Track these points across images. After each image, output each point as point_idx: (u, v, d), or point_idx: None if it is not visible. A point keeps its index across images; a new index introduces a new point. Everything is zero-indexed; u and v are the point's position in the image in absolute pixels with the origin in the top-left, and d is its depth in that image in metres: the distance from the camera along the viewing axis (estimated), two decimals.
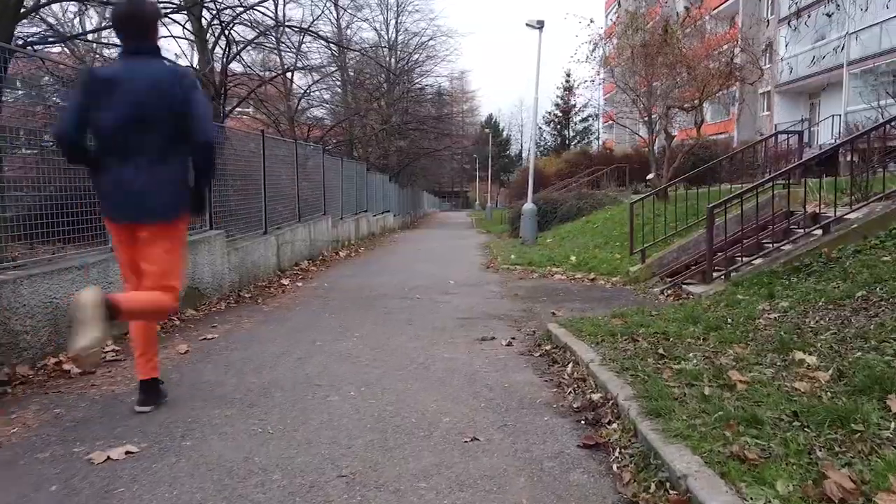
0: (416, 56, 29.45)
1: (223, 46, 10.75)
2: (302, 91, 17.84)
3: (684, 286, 7.20)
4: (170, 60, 3.97)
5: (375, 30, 29.18)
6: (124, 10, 2.83)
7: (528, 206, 13.55)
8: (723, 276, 6.14)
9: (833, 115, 25.37)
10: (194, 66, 11.03)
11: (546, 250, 11.24)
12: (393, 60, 28.44)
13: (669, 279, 7.62)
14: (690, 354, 3.26)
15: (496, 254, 11.93)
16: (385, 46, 28.29)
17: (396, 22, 30.24)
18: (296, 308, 6.15)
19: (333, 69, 19.99)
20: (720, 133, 38.44)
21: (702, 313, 4.55)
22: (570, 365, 3.46)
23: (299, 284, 7.94)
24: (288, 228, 9.56)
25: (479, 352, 4.16)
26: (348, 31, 25.48)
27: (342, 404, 3.04)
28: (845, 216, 5.88)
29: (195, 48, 10.75)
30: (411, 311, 6.00)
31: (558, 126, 47.53)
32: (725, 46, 12.85)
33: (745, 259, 6.35)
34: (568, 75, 46.79)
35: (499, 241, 16.06)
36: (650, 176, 12.92)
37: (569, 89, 46.62)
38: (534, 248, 12.03)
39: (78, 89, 2.82)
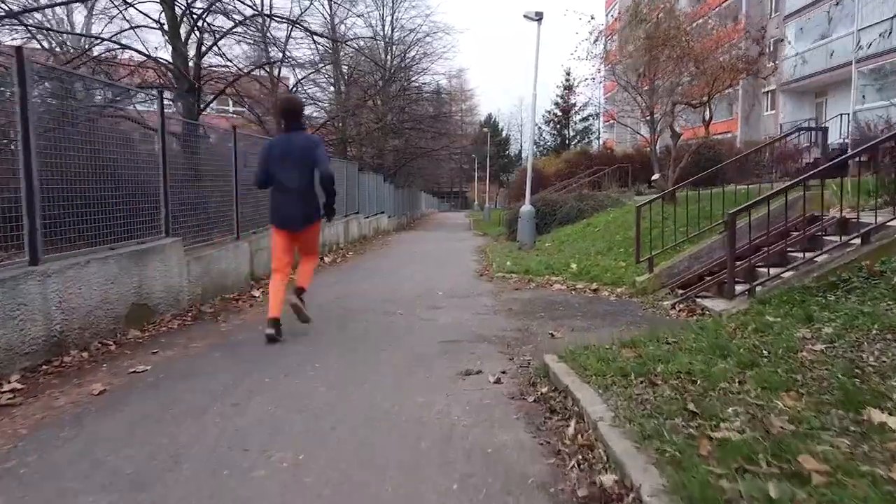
0: (412, 53, 28.69)
1: (197, 37, 9.97)
2: (291, 88, 17.04)
3: (698, 300, 6.44)
4: (306, 127, 5.78)
5: (371, 27, 28.43)
6: (285, 104, 5.15)
7: (526, 208, 12.80)
8: (746, 292, 5.37)
9: (841, 114, 24.64)
10: (168, 59, 10.26)
11: (544, 256, 10.48)
12: (388, 57, 27.66)
13: (681, 291, 6.86)
14: (730, 410, 2.50)
15: (491, 259, 11.17)
16: (380, 38, 27.50)
17: (392, 18, 29.50)
18: (258, 327, 5.39)
19: (323, 64, 19.18)
20: (723, 132, 37.77)
21: (729, 341, 3.80)
22: (574, 422, 2.69)
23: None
24: (265, 233, 8.80)
25: (461, 393, 3.40)
26: (342, 28, 24.74)
27: (267, 485, 2.28)
28: (887, 223, 5.12)
29: (168, 40, 9.97)
30: (390, 332, 5.24)
31: (558, 126, 46.76)
32: (736, 38, 12.09)
33: (770, 271, 5.59)
34: (568, 74, 46.07)
35: (495, 244, 15.30)
36: (655, 177, 12.18)
37: (569, 88, 45.88)
38: (531, 254, 11.28)
39: (262, 152, 5.02)
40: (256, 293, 7.25)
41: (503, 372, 3.78)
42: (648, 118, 28.13)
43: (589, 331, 5.33)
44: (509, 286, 8.09)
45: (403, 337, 5.04)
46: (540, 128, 47.39)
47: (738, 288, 5.56)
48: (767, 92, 35.84)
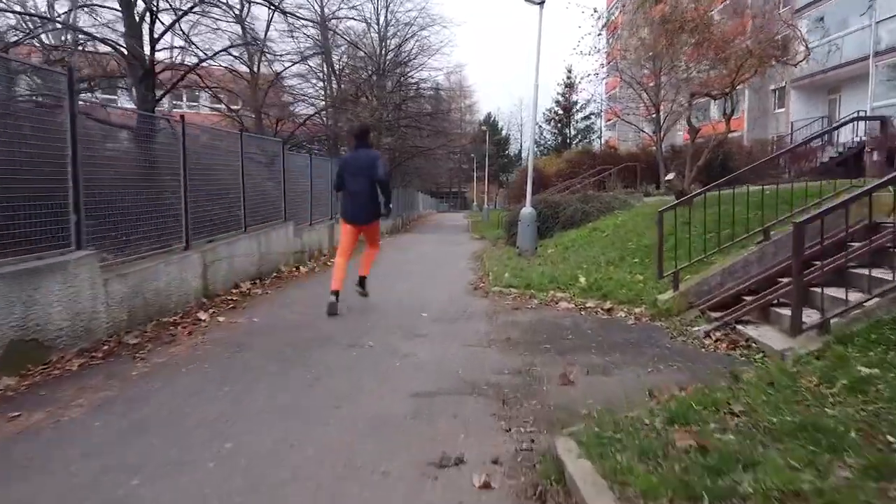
0: (408, 46, 27.46)
1: (149, 20, 8.78)
2: (272, 81, 15.81)
3: (739, 327, 5.25)
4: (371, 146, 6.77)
5: (365, 20, 27.20)
6: (356, 129, 6.91)
7: (527, 210, 11.60)
8: (818, 326, 4.16)
9: (858, 111, 23.46)
10: (121, 43, 9.05)
11: (547, 266, 9.28)
12: (382, 51, 26.44)
13: (715, 315, 5.66)
14: None
15: (488, 268, 9.97)
16: (374, 30, 26.30)
17: (387, 11, 28.25)
18: (183, 369, 4.19)
19: (309, 54, 17.97)
20: (730, 132, 36.54)
21: (822, 412, 2.61)
22: None
23: (221, 319, 5.96)
24: (224, 241, 7.59)
25: None
26: (334, 21, 23.52)
27: None
28: None
29: (124, 22, 8.78)
30: (351, 377, 4.04)
31: (559, 124, 45.54)
32: (761, 22, 10.88)
33: (825, 292, 4.38)
34: (569, 72, 44.87)
35: (493, 249, 14.08)
36: (669, 176, 11.00)
37: (570, 86, 44.63)
38: (533, 262, 10.08)
39: (340, 164, 6.79)
40: (204, 315, 6.04)
41: (495, 461, 2.57)
42: (654, 115, 26.91)
43: (609, 372, 4.14)
44: (507, 304, 6.88)
45: (368, 384, 3.84)
46: (540, 126, 46.20)
47: (807, 318, 4.35)
48: (776, 89, 34.67)
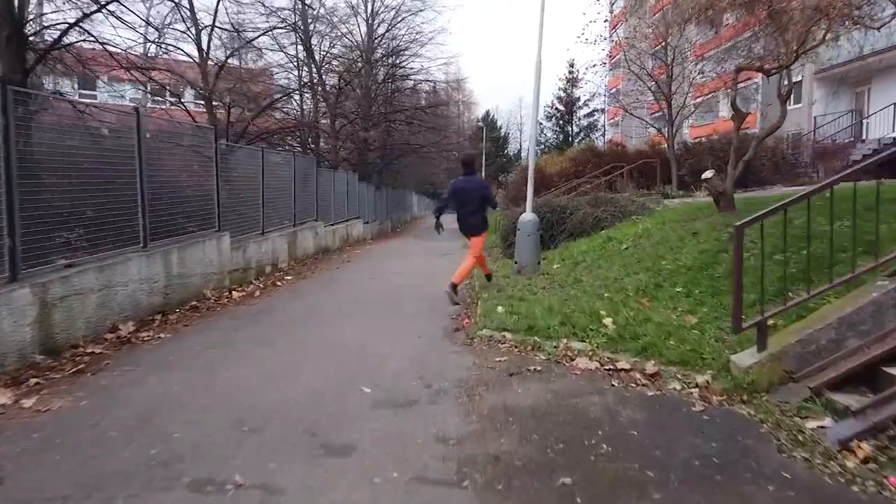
0: (398, 32, 25.12)
1: None
2: (223, 62, 13.41)
3: None
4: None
5: (350, 6, 24.90)
6: (465, 158, 8.28)
7: (527, 217, 9.30)
8: None
9: (893, 105, 21.22)
10: None
11: (555, 292, 7.00)
12: (369, 38, 24.12)
13: (838, 397, 3.40)
14: None
15: (476, 295, 7.70)
16: (359, 12, 24.00)
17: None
18: None
19: (277, 30, 15.62)
20: (741, 130, 34.26)
21: None
22: None
23: (27, 404, 3.67)
24: (93, 266, 5.29)
25: None
26: (320, 12, 21.24)
27: None
28: None
29: None
30: None
31: (560, 122, 43.19)
32: None
33: None
34: (571, 66, 42.57)
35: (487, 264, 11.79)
36: (708, 174, 8.71)
37: (572, 81, 42.36)
38: (535, 284, 7.79)
39: (451, 190, 7.84)
40: (7, 398, 3.75)
41: None
42: (664, 110, 24.65)
43: None
44: (499, 364, 4.59)
45: None
46: (541, 124, 43.89)
47: None
48: (791, 84, 32.42)
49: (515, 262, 9.47)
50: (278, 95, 15.25)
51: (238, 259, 8.60)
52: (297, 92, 15.91)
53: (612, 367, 4.44)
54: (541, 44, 9.23)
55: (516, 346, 5.06)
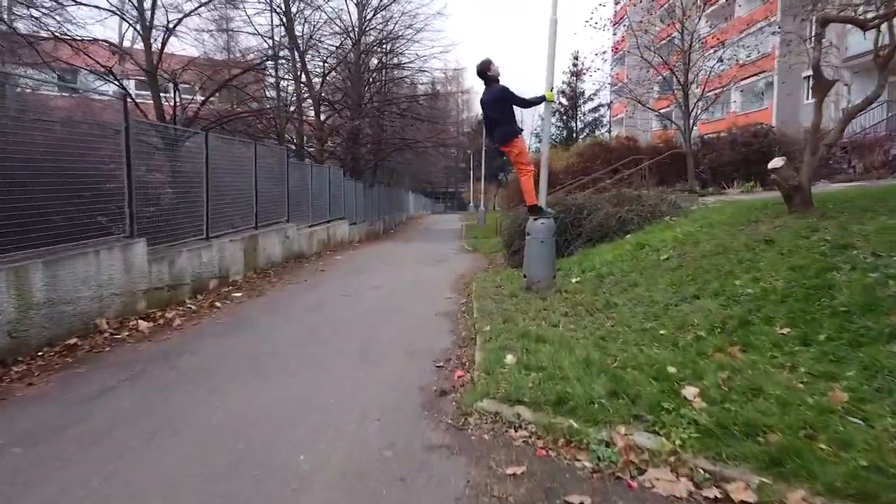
0: (389, 14, 22.99)
1: None
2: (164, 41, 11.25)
3: None
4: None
5: None
6: (478, 68, 6.73)
7: (541, 223, 7.22)
8: None
9: None
10: None
11: (585, 322, 4.97)
12: (359, 20, 22.03)
13: None
14: None
15: (476, 327, 5.63)
16: None
17: None
18: None
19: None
20: (755, 124, 32.34)
21: None
22: None
23: None
24: None
25: None
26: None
27: None
28: None
29: None
30: None
31: (564, 117, 41.14)
32: None
33: None
34: (575, 58, 40.51)
35: (488, 275, 9.72)
36: (776, 163, 6.64)
37: (576, 74, 40.31)
38: (554, 309, 5.76)
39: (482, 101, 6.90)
40: None
41: None
42: (682, 101, 22.56)
43: None
44: (514, 487, 2.56)
45: None
46: (543, 119, 41.88)
47: None
48: (808, 77, 30.43)
49: (524, 276, 7.41)
50: (238, 72, 13.06)
51: (163, 273, 6.55)
52: (265, 68, 13.64)
53: (719, 493, 2.42)
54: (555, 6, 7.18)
55: (540, 438, 3.01)
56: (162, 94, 11.76)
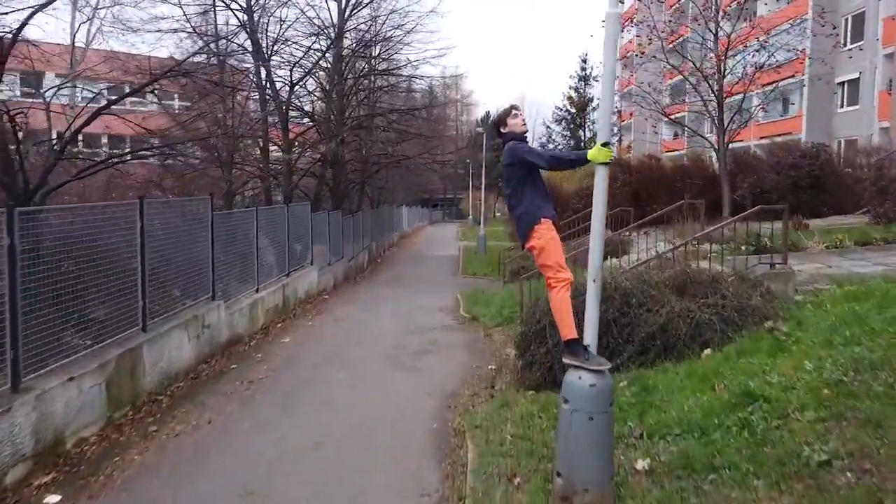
0: (375, 12, 19.73)
1: None
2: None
3: None
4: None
5: None
6: (493, 122, 4.71)
7: (589, 384, 3.88)
8: None
9: None
10: None
11: None
12: (339, 19, 18.74)
13: None
14: None
15: None
16: None
17: None
18: None
19: None
20: (781, 135, 29.06)
21: None
22: None
23: None
24: None
25: None
26: None
27: None
28: None
29: None
30: None
31: (571, 125, 37.90)
32: None
33: None
34: (584, 61, 37.29)
35: (491, 410, 6.32)
36: None
37: (585, 79, 37.09)
38: None
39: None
40: None
41: None
42: (716, 113, 19.19)
43: None
44: None
45: None
46: (549, 128, 38.61)
47: None
48: (845, 82, 27.21)
49: (557, 475, 4.10)
50: (158, 74, 9.58)
51: None
52: (185, 72, 10.10)
53: None
54: None
55: None
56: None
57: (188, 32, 12.83)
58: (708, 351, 6.03)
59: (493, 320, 10.50)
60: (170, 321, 7.02)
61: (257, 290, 10.20)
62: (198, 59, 14.66)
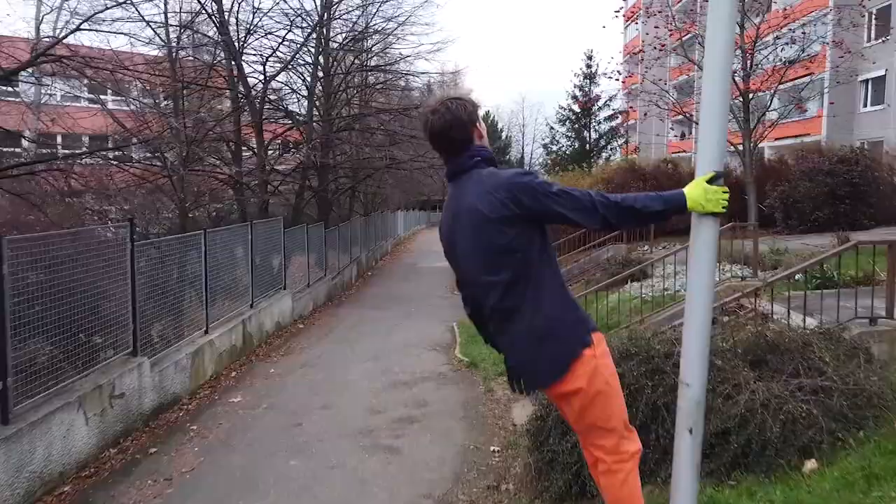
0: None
1: None
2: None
3: None
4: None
5: None
6: (431, 126, 2.57)
7: None
8: None
9: None
10: None
11: None
12: (323, 9, 16.78)
13: None
14: None
15: None
16: None
17: None
18: None
19: None
20: (798, 136, 27.16)
21: None
22: None
23: None
24: None
25: None
26: None
27: None
28: None
29: None
30: None
31: (576, 126, 36.00)
32: None
33: None
34: (589, 58, 35.36)
35: None
36: None
37: (590, 77, 35.16)
38: None
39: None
40: None
41: None
42: (741, 113, 17.26)
43: None
44: None
45: None
46: (552, 128, 36.71)
47: None
48: (868, 80, 25.32)
49: None
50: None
51: None
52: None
53: None
54: None
55: None
56: None
57: (136, 21, 10.92)
58: (812, 464, 4.12)
59: (494, 367, 8.57)
60: (53, 401, 5.10)
61: (206, 332, 8.29)
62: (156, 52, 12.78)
